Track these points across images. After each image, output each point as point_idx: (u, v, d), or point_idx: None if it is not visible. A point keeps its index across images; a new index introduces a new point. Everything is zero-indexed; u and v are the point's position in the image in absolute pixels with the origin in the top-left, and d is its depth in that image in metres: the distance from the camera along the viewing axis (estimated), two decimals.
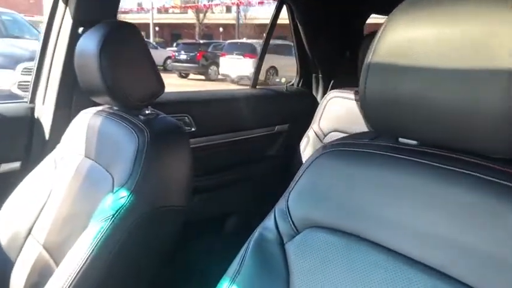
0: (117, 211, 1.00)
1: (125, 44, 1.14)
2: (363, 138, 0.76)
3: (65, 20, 1.50)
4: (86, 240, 1.00)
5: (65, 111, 1.51)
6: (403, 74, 0.60)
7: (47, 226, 1.21)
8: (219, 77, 14.78)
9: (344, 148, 0.75)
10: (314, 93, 2.30)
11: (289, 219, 0.78)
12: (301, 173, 0.80)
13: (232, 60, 13.97)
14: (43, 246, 1.18)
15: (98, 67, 1.10)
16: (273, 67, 13.78)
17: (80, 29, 1.46)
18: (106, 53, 1.10)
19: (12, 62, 5.02)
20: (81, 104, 1.46)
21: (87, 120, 1.26)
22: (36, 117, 1.56)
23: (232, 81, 14.00)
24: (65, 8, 1.50)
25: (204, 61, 14.74)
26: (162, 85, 1.21)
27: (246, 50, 13.93)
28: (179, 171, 1.13)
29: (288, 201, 0.80)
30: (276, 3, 2.07)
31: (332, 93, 2.00)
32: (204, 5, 23.35)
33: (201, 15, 24.50)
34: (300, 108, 2.28)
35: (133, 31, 1.16)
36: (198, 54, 14.88)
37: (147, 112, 1.19)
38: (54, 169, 1.29)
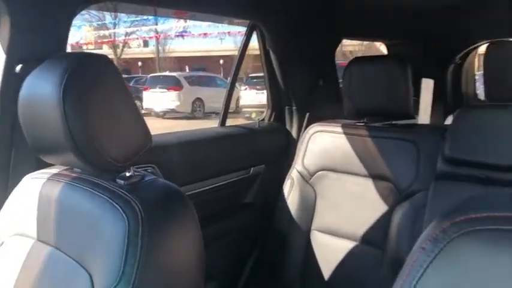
0: None
1: (97, 83, 0.81)
2: None
3: None
4: None
5: (1, 176, 1.12)
6: None
7: None
8: (143, 111, 14.28)
9: (500, 226, 0.49)
10: (288, 127, 2.06)
11: None
12: (425, 265, 0.53)
13: (156, 94, 13.60)
14: None
15: (60, 116, 0.76)
16: (198, 99, 13.63)
17: (18, 67, 1.09)
18: (72, 96, 0.76)
19: None
20: (24, 166, 1.08)
21: (37, 189, 0.91)
22: None
23: (157, 115, 13.60)
24: None
25: None
26: (148, 136, 0.89)
27: (170, 83, 13.75)
28: (190, 254, 0.81)
29: None
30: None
31: (314, 127, 1.77)
32: (124, 39, 22.70)
33: (118, 50, 23.77)
34: (275, 146, 2.02)
35: (107, 65, 0.84)
36: None
37: (127, 175, 0.86)
38: None
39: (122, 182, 0.83)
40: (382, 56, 2.22)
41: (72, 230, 0.83)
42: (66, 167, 0.94)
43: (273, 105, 2.06)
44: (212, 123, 2.16)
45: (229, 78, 1.98)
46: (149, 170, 1.49)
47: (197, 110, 13.67)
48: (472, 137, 1.43)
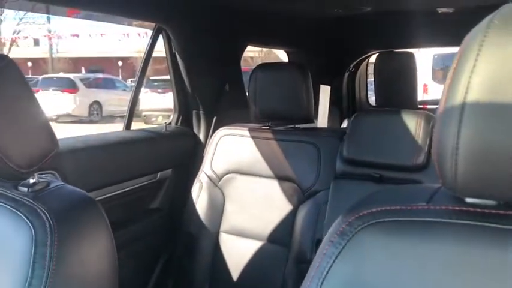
0: None
1: None
2: (412, 201, 0.58)
3: None
4: None
5: None
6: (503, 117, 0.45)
7: None
8: None
9: (396, 218, 0.56)
10: (196, 131, 2.07)
11: None
12: (334, 257, 0.58)
13: (48, 96, 12.72)
14: None
15: None
16: (96, 102, 13.00)
17: None
18: None
19: None
20: None
21: None
22: None
23: (50, 119, 12.59)
24: None
25: None
26: (54, 140, 0.86)
27: (64, 85, 12.91)
28: (103, 262, 0.79)
29: None
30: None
31: (223, 131, 1.81)
32: (12, 38, 20.82)
33: (5, 49, 21.82)
34: (182, 150, 2.01)
35: (8, 64, 0.80)
36: None
37: (31, 181, 0.81)
38: None
39: (25, 189, 0.79)
40: (285, 63, 2.32)
41: None
42: None
43: (179, 109, 2.06)
44: (112, 127, 2.09)
45: (129, 80, 1.93)
46: (48, 177, 1.41)
47: (94, 113, 13.02)
48: (367, 139, 1.57)
